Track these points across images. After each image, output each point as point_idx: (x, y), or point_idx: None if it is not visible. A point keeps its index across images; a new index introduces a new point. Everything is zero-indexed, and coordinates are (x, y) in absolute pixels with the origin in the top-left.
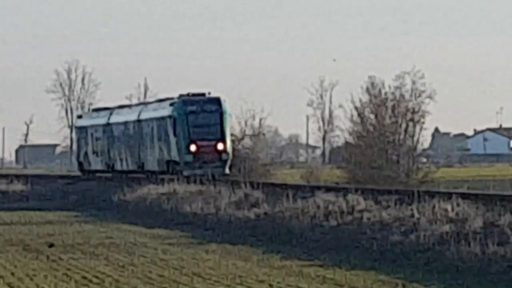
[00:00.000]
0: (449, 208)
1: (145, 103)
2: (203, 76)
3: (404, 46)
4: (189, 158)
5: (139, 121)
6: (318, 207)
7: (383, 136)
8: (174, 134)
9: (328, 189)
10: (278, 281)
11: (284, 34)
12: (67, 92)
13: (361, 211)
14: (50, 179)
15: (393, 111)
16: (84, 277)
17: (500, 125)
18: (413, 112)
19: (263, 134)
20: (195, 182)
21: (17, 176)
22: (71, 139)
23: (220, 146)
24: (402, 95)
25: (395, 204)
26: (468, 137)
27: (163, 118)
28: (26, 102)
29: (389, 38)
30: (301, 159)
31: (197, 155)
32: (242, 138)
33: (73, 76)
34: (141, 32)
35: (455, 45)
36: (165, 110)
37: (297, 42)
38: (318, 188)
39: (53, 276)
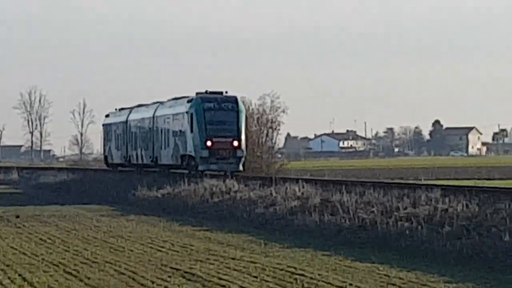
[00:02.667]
0: (297, 189)
1: (161, 102)
2: (128, 96)
3: (265, 74)
4: (205, 153)
5: (154, 117)
6: (205, 189)
7: (251, 139)
8: (191, 130)
9: (212, 176)
10: (177, 241)
11: None
12: (28, 109)
13: (235, 191)
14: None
15: (257, 121)
16: (41, 239)
17: (333, 131)
18: (272, 122)
19: None
20: (121, 171)
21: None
22: (32, 141)
23: (235, 143)
24: (264, 110)
25: (259, 186)
26: (310, 139)
27: (180, 114)
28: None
29: (254, 69)
30: None
31: (213, 151)
32: None
33: (32, 97)
34: (81, 64)
35: (302, 74)
36: (182, 107)
37: None
38: (206, 175)
39: (19, 238)
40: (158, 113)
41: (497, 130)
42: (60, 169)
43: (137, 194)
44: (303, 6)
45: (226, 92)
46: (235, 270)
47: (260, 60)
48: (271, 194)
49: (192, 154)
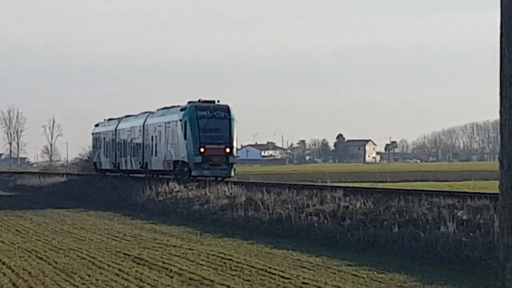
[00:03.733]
0: (226, 190)
1: (151, 112)
2: (90, 114)
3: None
4: (198, 159)
5: (144, 126)
6: (151, 188)
7: None
8: (185, 137)
9: (157, 179)
10: (129, 232)
11: None
12: (7, 124)
13: (177, 191)
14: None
15: None
16: (17, 230)
17: (256, 142)
18: None
19: None
20: (91, 176)
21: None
22: (10, 150)
23: (228, 150)
24: None
25: (196, 188)
26: (238, 149)
27: (173, 122)
28: None
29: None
30: None
31: (206, 157)
32: None
33: (11, 114)
34: (51, 87)
35: (228, 96)
36: (175, 115)
37: None
38: (155, 179)
39: None
40: (148, 122)
41: (388, 142)
42: (33, 173)
43: (101, 194)
44: (213, 36)
45: (218, 101)
46: (175, 255)
47: (197, 83)
48: (205, 194)
49: (186, 160)
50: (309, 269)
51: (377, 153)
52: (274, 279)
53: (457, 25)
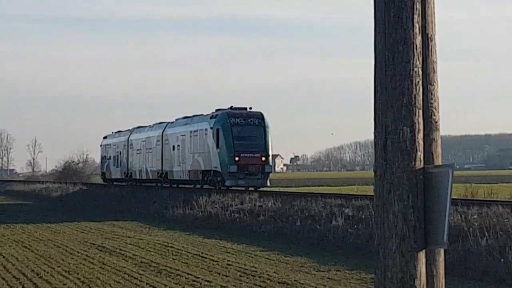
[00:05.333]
0: (169, 193)
1: (170, 122)
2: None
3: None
4: (233, 168)
5: (162, 136)
6: (112, 192)
7: None
8: (217, 145)
9: (114, 183)
10: (93, 226)
11: None
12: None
13: (132, 193)
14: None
15: None
16: (7, 224)
17: None
18: None
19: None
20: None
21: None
22: (1, 164)
23: (263, 158)
24: None
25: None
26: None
27: (201, 130)
28: None
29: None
30: None
31: (241, 166)
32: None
33: (2, 135)
34: (33, 113)
35: None
36: (204, 123)
37: None
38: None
39: None
40: (168, 131)
41: (292, 156)
42: (20, 181)
43: (74, 199)
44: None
45: (250, 108)
46: (130, 244)
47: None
48: (152, 196)
49: (218, 169)
50: (232, 254)
51: (284, 164)
52: (206, 262)
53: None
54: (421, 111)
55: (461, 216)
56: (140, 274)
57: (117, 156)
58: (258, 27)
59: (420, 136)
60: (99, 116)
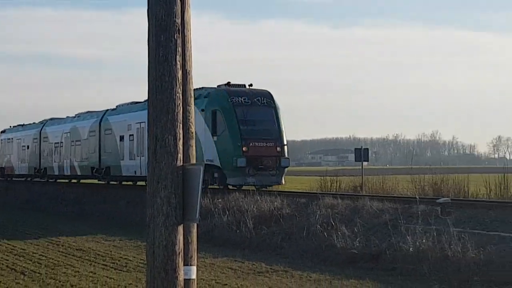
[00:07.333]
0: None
1: (104, 110)
2: None
3: None
4: (241, 162)
5: (101, 124)
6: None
7: None
8: (214, 133)
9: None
10: None
11: None
12: None
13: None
14: None
15: None
16: None
17: None
18: None
19: None
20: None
21: None
22: None
23: (278, 149)
24: None
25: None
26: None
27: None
28: None
29: None
30: None
31: (252, 159)
32: None
33: None
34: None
35: None
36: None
37: None
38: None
39: None
40: (111, 120)
41: None
42: None
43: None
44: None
45: (251, 85)
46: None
47: None
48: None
49: (217, 163)
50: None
51: None
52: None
53: None
54: (181, 125)
55: (210, 200)
56: None
57: (24, 151)
58: None
59: (180, 143)
60: None
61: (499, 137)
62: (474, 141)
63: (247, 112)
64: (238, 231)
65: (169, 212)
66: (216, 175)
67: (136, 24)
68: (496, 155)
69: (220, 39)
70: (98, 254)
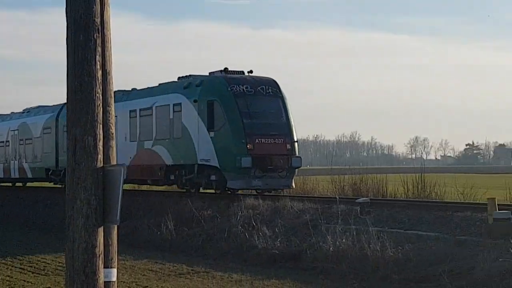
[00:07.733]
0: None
1: (60, 105)
2: None
3: None
4: (246, 162)
5: (57, 121)
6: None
7: None
8: (210, 127)
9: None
10: None
11: None
12: None
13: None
14: None
15: None
16: None
17: None
18: None
19: None
20: None
21: None
22: None
23: (288, 146)
24: None
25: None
26: None
27: (167, 106)
28: None
29: None
30: None
31: (258, 158)
32: None
33: None
34: None
35: None
36: (171, 97)
37: None
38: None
39: None
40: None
41: None
42: None
43: None
44: None
45: (251, 72)
46: None
47: None
48: None
49: (213, 163)
50: None
51: None
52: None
53: None
54: (101, 125)
55: (131, 201)
56: None
57: None
58: None
59: (100, 144)
60: None
61: (416, 137)
62: (392, 142)
63: (250, 103)
64: (159, 232)
65: (89, 214)
66: (213, 177)
67: (52, 23)
68: (413, 156)
69: (139, 40)
70: (15, 258)
